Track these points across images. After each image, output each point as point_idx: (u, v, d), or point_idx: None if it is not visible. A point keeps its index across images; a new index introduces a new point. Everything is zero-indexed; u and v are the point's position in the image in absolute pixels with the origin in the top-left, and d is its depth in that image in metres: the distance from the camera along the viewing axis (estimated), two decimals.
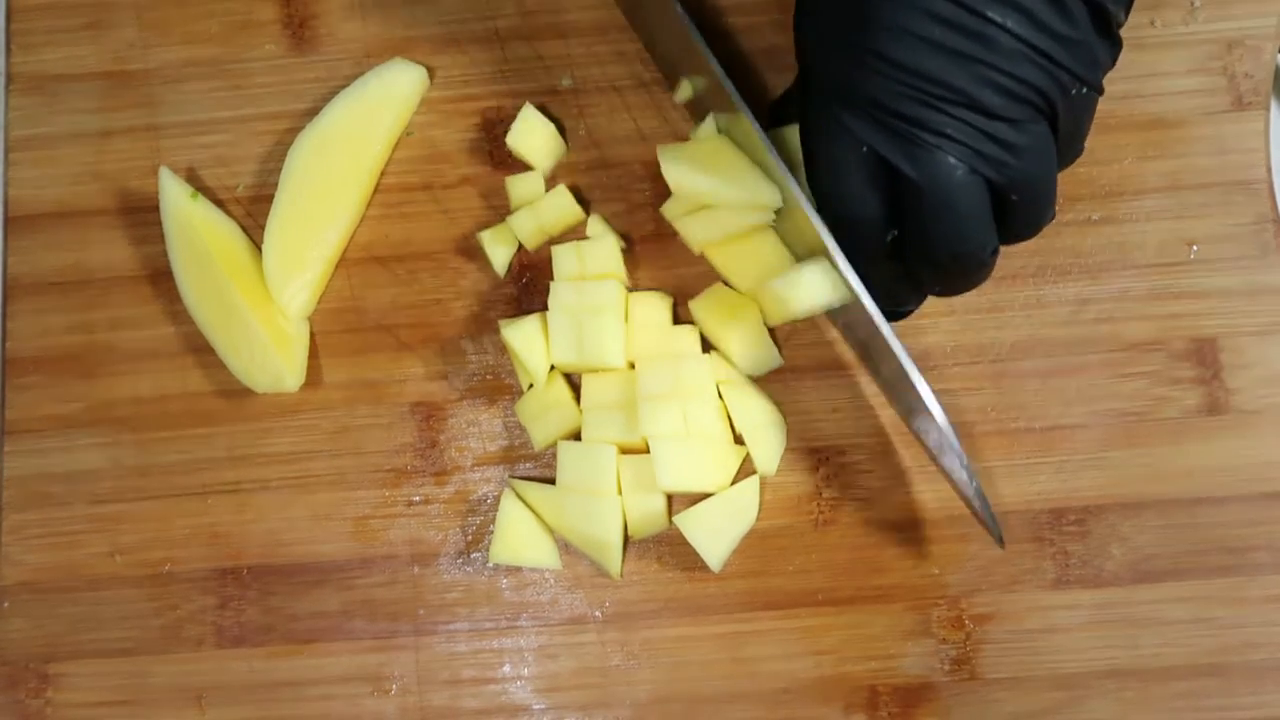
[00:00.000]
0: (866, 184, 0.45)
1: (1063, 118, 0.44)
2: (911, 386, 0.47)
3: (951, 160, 0.43)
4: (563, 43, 0.58)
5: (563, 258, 0.55)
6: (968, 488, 0.48)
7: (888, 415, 0.54)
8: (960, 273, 0.46)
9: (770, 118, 0.54)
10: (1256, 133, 0.55)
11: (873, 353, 0.51)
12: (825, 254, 0.48)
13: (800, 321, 0.54)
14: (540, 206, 0.55)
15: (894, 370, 0.48)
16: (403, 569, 0.54)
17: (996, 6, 0.41)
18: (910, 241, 0.46)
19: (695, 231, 0.54)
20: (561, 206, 0.55)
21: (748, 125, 0.49)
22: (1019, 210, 0.45)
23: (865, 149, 0.44)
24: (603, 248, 0.54)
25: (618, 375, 0.53)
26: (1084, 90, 0.44)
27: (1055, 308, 0.55)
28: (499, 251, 0.56)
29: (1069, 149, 0.46)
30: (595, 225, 0.56)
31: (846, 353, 0.55)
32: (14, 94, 0.59)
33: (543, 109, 0.57)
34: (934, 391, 0.46)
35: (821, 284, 0.48)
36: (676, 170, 0.51)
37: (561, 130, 0.57)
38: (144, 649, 0.54)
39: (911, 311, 0.52)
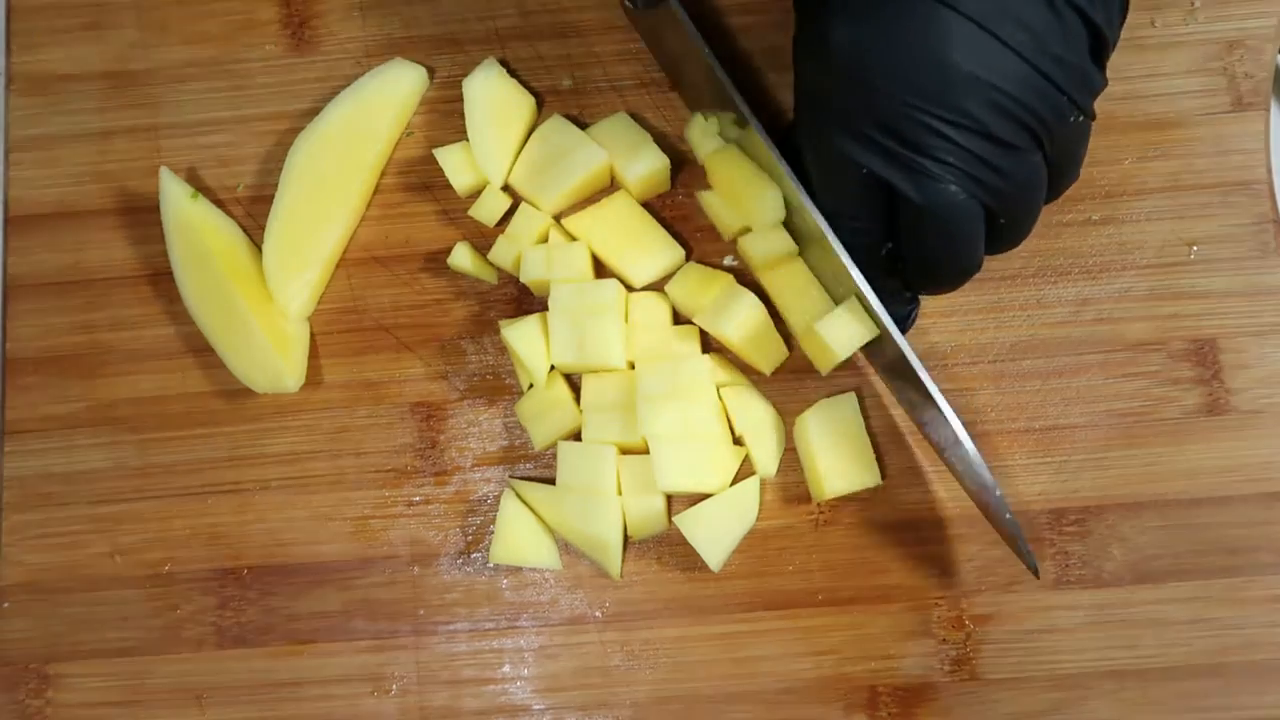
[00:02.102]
0: (863, 203, 0.46)
1: (1058, 146, 0.44)
2: (945, 421, 0.48)
3: (953, 187, 0.43)
4: (563, 43, 0.58)
5: (531, 261, 0.54)
6: (1004, 520, 0.48)
7: (887, 416, 0.54)
8: (951, 282, 0.49)
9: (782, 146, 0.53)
10: (1256, 133, 0.55)
11: (900, 380, 0.52)
12: (854, 292, 0.49)
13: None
14: (514, 233, 0.55)
15: (928, 411, 0.49)
16: (403, 569, 0.54)
17: (1009, 27, 0.41)
18: (907, 255, 0.47)
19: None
20: (534, 225, 0.55)
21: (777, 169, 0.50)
22: (1004, 231, 0.46)
23: (864, 170, 0.44)
24: (572, 253, 0.54)
25: (618, 375, 0.53)
26: (1079, 117, 0.44)
27: (1055, 308, 0.55)
28: (485, 268, 0.56)
29: (1064, 176, 0.47)
30: (556, 233, 0.55)
31: None
32: (14, 94, 0.59)
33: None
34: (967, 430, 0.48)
35: (855, 326, 0.50)
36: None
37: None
38: (144, 649, 0.54)
39: (914, 318, 0.53)
